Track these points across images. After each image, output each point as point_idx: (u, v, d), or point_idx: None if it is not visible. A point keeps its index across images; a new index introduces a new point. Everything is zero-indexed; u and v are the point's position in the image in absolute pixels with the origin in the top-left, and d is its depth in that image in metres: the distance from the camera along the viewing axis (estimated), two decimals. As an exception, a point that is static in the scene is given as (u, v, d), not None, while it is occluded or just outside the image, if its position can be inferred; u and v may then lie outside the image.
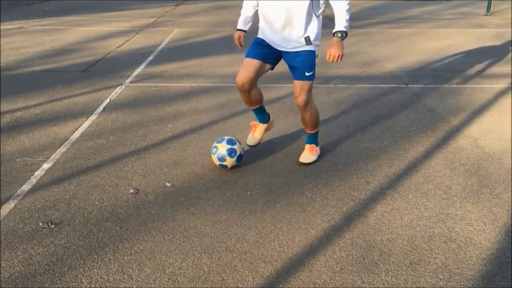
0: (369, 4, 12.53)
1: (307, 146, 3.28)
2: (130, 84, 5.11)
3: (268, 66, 3.03)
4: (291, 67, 3.02)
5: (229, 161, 3.06)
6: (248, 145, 3.35)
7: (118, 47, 7.01)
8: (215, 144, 3.11)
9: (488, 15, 10.33)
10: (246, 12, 3.10)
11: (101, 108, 4.35)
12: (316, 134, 3.29)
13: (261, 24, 2.99)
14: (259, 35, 3.04)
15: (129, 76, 5.42)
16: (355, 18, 10.11)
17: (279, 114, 4.15)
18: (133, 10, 11.25)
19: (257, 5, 3.02)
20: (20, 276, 2.14)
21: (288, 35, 2.89)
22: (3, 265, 2.21)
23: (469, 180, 3.00)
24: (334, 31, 2.84)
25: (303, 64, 2.94)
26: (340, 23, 2.82)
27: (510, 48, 6.88)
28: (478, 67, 5.80)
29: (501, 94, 4.73)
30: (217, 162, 3.09)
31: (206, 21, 9.47)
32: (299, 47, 2.93)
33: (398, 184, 2.96)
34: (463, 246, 2.34)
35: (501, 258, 2.24)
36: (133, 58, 6.31)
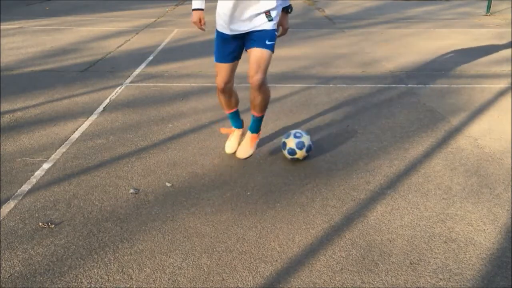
0: (369, 4, 12.54)
1: (250, 135, 3.21)
2: (130, 84, 5.11)
3: (237, 61, 3.05)
4: (249, 41, 2.90)
5: (300, 154, 3.15)
6: (227, 152, 3.33)
7: (118, 47, 7.01)
8: (283, 140, 3.20)
9: (488, 15, 10.33)
10: None
11: (101, 108, 4.35)
12: (261, 118, 3.21)
13: (218, 8, 2.88)
14: (218, 26, 2.94)
15: (129, 76, 5.42)
16: (355, 18, 10.12)
17: (279, 114, 4.15)
18: (133, 10, 11.25)
19: None
20: (20, 276, 2.14)
21: (247, 13, 2.78)
22: (3, 265, 2.21)
23: (469, 180, 3.00)
24: (286, 6, 2.98)
25: (264, 34, 2.83)
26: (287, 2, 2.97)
27: (510, 48, 6.87)
28: (478, 67, 5.80)
29: (501, 94, 4.73)
30: (288, 157, 3.19)
31: (206, 21, 9.45)
32: (259, 25, 2.81)
33: (398, 184, 2.96)
34: (463, 246, 2.34)
35: (501, 258, 2.24)
36: (133, 58, 6.31)
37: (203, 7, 2.98)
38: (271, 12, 2.81)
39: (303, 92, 4.81)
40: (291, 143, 3.13)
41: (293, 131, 3.21)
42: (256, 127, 3.24)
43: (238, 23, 2.84)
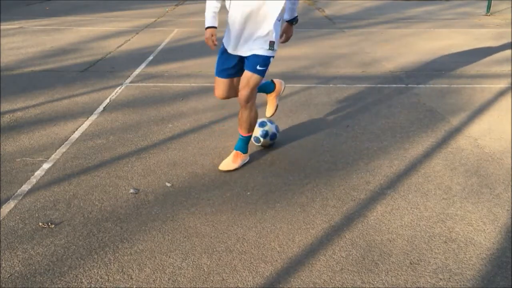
0: (369, 4, 12.54)
1: (234, 152, 3.18)
2: (130, 84, 5.11)
3: (237, 78, 3.07)
4: (245, 61, 2.98)
5: (265, 142, 3.40)
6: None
7: (118, 47, 7.01)
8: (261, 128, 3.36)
9: (488, 15, 10.33)
10: (213, 4, 2.95)
11: (101, 108, 4.35)
12: (247, 139, 3.17)
13: (228, 19, 2.93)
14: (224, 39, 3.02)
15: (129, 76, 5.42)
16: (355, 18, 10.12)
17: (279, 114, 4.15)
18: (133, 10, 11.25)
19: None
20: (20, 276, 2.14)
21: (253, 34, 2.87)
22: (3, 265, 2.21)
23: (469, 180, 3.00)
24: (291, 19, 3.12)
25: (257, 59, 2.90)
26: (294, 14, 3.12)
27: (510, 48, 6.88)
28: (478, 67, 5.80)
29: (501, 94, 4.73)
30: (256, 144, 3.41)
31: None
32: (256, 50, 2.88)
33: (398, 184, 2.96)
34: (463, 246, 2.34)
35: (501, 258, 2.24)
36: (133, 58, 6.31)
37: (215, 24, 3.00)
38: (275, 44, 2.89)
39: (303, 92, 4.81)
40: (256, 132, 3.33)
41: (259, 120, 3.30)
42: (240, 146, 3.18)
43: (242, 46, 2.92)
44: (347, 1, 13.19)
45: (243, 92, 2.96)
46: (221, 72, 3.07)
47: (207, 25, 3.00)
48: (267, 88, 3.41)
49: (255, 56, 2.89)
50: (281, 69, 5.55)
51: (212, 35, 2.97)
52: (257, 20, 2.83)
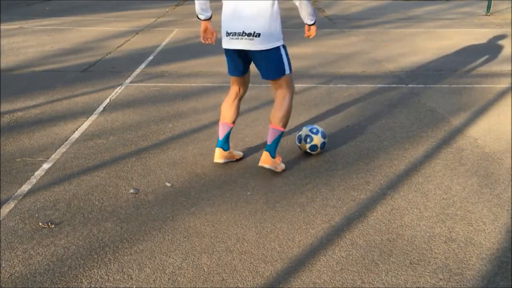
0: (370, 4, 12.54)
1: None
2: (130, 84, 5.11)
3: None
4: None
5: (317, 152, 3.33)
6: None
7: (118, 47, 7.01)
8: (309, 134, 3.29)
9: (488, 15, 10.33)
10: None
11: (101, 108, 4.35)
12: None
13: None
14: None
15: (129, 76, 5.43)
16: (355, 18, 10.12)
17: (279, 114, 4.15)
18: (133, 10, 11.25)
19: None
20: (20, 276, 2.14)
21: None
22: (3, 265, 2.21)
23: (469, 180, 3.00)
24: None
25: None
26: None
27: (510, 48, 6.88)
28: (478, 67, 5.80)
29: (501, 94, 4.73)
30: (307, 149, 3.32)
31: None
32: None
33: (398, 184, 2.96)
34: (463, 246, 2.33)
35: (501, 258, 2.24)
36: (133, 58, 6.31)
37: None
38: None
39: (303, 92, 4.80)
40: (317, 141, 3.28)
41: (320, 129, 3.33)
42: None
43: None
44: (347, 1, 13.19)
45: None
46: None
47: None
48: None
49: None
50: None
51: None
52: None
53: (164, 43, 7.34)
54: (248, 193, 2.86)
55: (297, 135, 3.38)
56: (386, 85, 5.05)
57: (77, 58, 6.34)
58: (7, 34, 8.01)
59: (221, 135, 3.17)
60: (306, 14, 3.04)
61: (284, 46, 2.93)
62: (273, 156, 3.05)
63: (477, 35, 7.90)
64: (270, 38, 2.81)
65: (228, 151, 3.21)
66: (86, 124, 3.95)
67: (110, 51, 6.73)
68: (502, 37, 7.73)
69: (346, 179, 3.02)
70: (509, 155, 3.33)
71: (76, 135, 3.73)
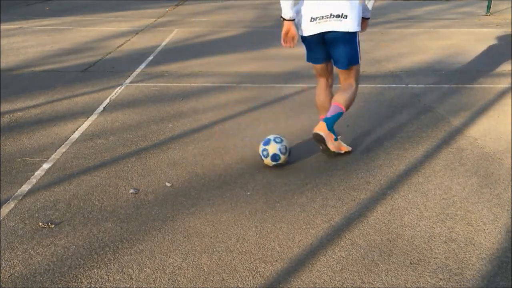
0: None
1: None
2: (130, 84, 5.12)
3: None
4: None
5: (283, 158, 3.11)
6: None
7: (118, 47, 7.01)
8: (263, 147, 3.09)
9: (488, 15, 10.33)
10: None
11: (101, 108, 4.35)
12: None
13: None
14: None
15: (129, 76, 5.43)
16: (355, 18, 10.09)
17: (280, 115, 4.16)
18: (133, 10, 11.25)
19: None
20: (20, 276, 2.14)
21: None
22: (3, 265, 2.21)
23: (469, 180, 3.00)
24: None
25: None
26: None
27: (510, 48, 6.87)
28: (478, 67, 5.80)
29: (501, 94, 4.73)
30: (271, 163, 3.11)
31: (206, 21, 9.47)
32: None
33: (398, 184, 2.96)
34: (463, 246, 2.34)
35: (501, 258, 2.24)
36: (133, 58, 6.31)
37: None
38: None
39: (303, 92, 4.80)
40: (274, 149, 3.06)
41: (271, 136, 3.12)
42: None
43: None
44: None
45: None
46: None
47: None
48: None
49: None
50: (282, 69, 5.55)
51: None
52: None
53: (164, 43, 7.34)
54: (248, 193, 2.86)
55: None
56: (386, 85, 5.05)
57: (77, 58, 6.34)
58: (7, 34, 8.01)
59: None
60: (367, 7, 3.11)
61: (358, 34, 3.03)
62: (329, 129, 3.08)
63: (477, 35, 7.90)
64: (355, 21, 2.91)
65: (336, 138, 3.18)
66: (86, 124, 3.95)
67: (110, 51, 6.73)
68: (502, 37, 7.73)
69: (346, 179, 3.02)
70: (509, 155, 3.33)
71: (76, 135, 3.73)
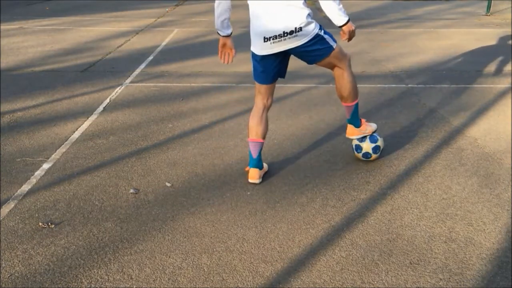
0: (370, 4, 12.54)
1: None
2: (130, 84, 5.11)
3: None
4: None
5: (374, 156, 3.21)
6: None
7: (118, 47, 7.01)
8: (358, 143, 3.19)
9: (488, 15, 10.33)
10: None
11: (101, 108, 4.35)
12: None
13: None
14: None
15: (129, 76, 5.43)
16: (355, 18, 10.10)
17: (280, 115, 4.16)
18: (133, 10, 11.24)
19: None
20: (20, 276, 2.14)
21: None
22: (3, 265, 2.21)
23: (469, 180, 3.00)
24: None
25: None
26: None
27: (510, 48, 6.87)
28: (478, 67, 5.80)
29: (501, 94, 4.73)
30: (362, 158, 3.24)
31: (206, 21, 9.47)
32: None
33: (398, 184, 2.96)
34: (463, 246, 2.34)
35: (501, 258, 2.24)
36: (133, 58, 6.31)
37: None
38: None
39: (303, 92, 4.81)
40: (368, 148, 3.16)
41: (368, 135, 3.18)
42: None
43: None
44: (347, 2, 13.18)
45: None
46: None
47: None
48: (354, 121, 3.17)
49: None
50: (281, 69, 5.54)
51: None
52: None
53: (164, 43, 7.34)
54: (248, 193, 2.86)
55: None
56: (386, 85, 5.05)
57: (77, 58, 6.34)
58: (7, 34, 8.01)
59: (255, 153, 2.93)
60: (334, 14, 2.75)
61: (319, 26, 2.75)
62: (358, 126, 3.13)
63: (477, 35, 7.90)
64: (310, 25, 2.67)
65: (262, 169, 3.02)
66: (86, 124, 3.95)
67: (110, 51, 6.73)
68: (502, 37, 7.73)
69: (346, 179, 3.02)
70: (509, 155, 3.33)
71: (76, 135, 3.73)
